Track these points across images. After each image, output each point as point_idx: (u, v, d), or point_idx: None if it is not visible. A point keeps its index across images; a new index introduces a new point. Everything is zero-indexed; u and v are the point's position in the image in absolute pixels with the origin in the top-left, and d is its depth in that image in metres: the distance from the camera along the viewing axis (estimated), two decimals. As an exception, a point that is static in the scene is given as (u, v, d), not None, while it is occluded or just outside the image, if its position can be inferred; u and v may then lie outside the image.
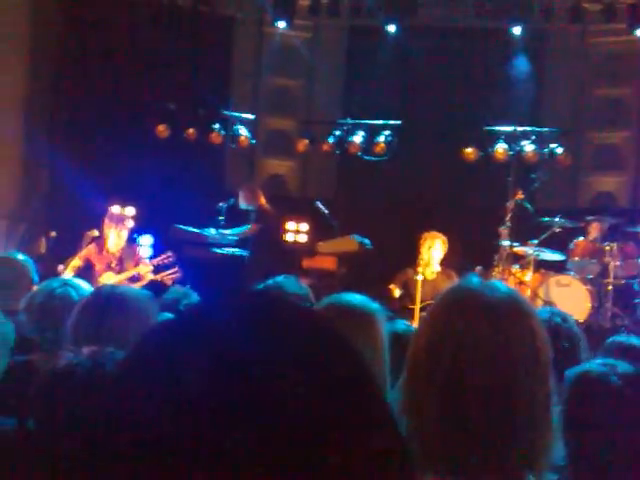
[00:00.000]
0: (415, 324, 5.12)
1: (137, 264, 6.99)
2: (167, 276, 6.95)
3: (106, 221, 7.06)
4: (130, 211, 9.20)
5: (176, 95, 9.75)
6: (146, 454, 0.57)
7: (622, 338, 3.11)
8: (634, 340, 3.07)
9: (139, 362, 0.63)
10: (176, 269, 6.99)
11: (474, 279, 1.42)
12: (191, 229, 8.74)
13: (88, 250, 7.00)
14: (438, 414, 1.29)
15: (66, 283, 3.13)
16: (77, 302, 2.87)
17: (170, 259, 6.98)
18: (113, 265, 6.94)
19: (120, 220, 7.05)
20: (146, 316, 2.42)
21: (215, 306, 0.69)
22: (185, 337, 0.63)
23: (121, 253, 6.99)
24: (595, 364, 1.78)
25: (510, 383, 1.29)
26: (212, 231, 8.65)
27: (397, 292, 7.19)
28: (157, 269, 6.95)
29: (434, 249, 7.09)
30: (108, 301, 2.40)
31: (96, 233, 7.30)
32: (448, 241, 7.43)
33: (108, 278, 6.71)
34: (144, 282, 6.79)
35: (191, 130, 9.77)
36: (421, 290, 6.97)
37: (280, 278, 2.57)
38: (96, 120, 9.33)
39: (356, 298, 2.17)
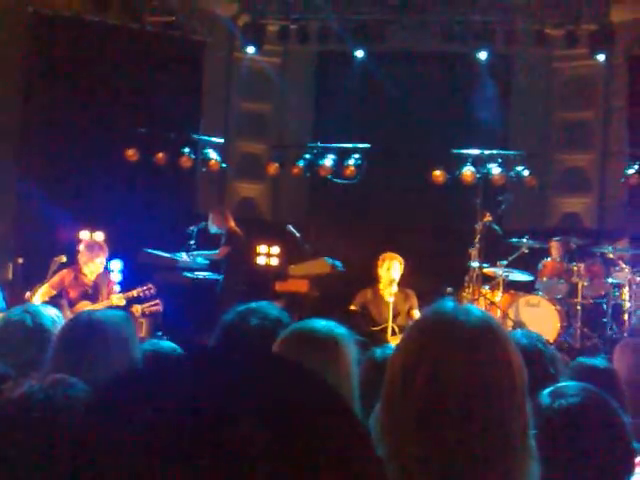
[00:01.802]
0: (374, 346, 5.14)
1: (110, 293, 6.93)
2: (148, 308, 6.93)
3: (84, 249, 6.99)
4: (99, 236, 9.12)
5: (146, 119, 9.72)
6: None
7: (585, 360, 3.13)
8: (596, 361, 3.11)
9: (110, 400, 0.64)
10: (157, 301, 6.96)
11: (448, 303, 1.42)
12: (161, 253, 8.67)
13: (61, 277, 6.91)
14: (415, 438, 1.28)
15: (26, 310, 3.09)
16: (32, 329, 2.86)
17: (151, 291, 6.94)
18: (89, 292, 6.89)
19: (100, 248, 6.99)
20: (125, 338, 2.41)
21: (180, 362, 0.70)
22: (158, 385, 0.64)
23: (96, 280, 6.95)
24: (551, 389, 1.78)
25: (485, 408, 1.29)
26: (183, 255, 8.60)
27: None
28: (138, 300, 6.90)
29: (393, 270, 7.13)
30: (87, 328, 2.38)
31: (64, 259, 7.21)
32: (418, 263, 7.49)
33: (84, 307, 6.58)
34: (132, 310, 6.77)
35: (161, 154, 9.73)
36: (381, 311, 7.03)
37: (261, 303, 2.56)
38: (65, 144, 9.26)
39: (320, 324, 2.15)
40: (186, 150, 9.84)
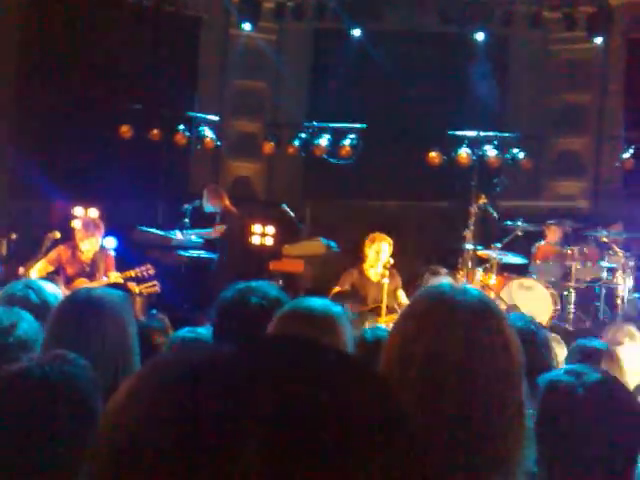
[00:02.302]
0: (365, 325, 5.14)
1: (108, 270, 6.91)
2: (147, 288, 6.91)
3: (81, 227, 6.96)
4: (93, 213, 9.07)
5: (140, 96, 9.64)
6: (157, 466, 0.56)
7: (586, 342, 3.16)
8: (597, 343, 3.14)
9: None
10: (155, 282, 6.92)
11: (445, 283, 1.43)
12: (155, 231, 8.64)
13: (58, 253, 6.88)
14: (413, 419, 1.28)
15: (28, 285, 3.07)
16: (37, 305, 2.84)
17: (150, 271, 6.90)
18: (86, 270, 6.86)
19: (96, 226, 6.95)
20: (123, 318, 2.40)
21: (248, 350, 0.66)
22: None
23: (94, 257, 6.92)
24: (563, 373, 1.78)
25: (483, 388, 1.29)
26: (177, 233, 8.57)
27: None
28: (136, 280, 6.87)
29: (382, 251, 7.09)
30: (86, 305, 2.37)
31: (57, 235, 7.17)
32: (413, 244, 7.49)
33: (81, 284, 6.58)
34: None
35: (155, 131, 9.67)
36: (368, 292, 7.00)
37: (260, 282, 2.56)
38: (58, 120, 9.19)
39: (317, 302, 2.15)
40: (181, 127, 9.78)
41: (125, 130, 9.56)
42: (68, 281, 6.71)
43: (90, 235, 6.84)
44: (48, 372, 1.68)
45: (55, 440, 1.58)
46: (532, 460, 1.34)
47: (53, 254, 6.87)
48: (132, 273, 6.88)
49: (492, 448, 1.27)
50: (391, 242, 7.16)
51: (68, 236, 7.19)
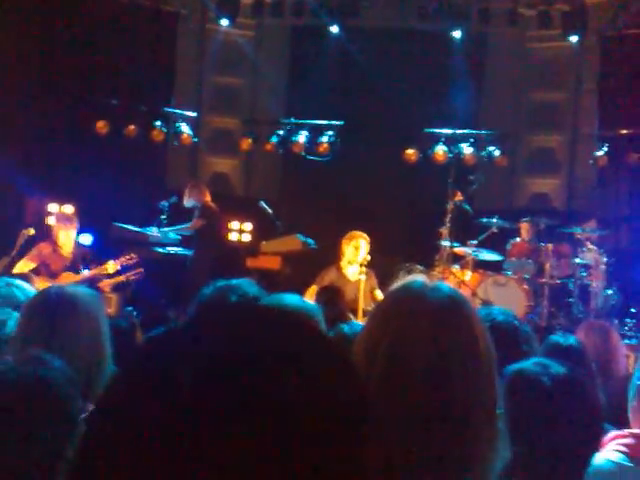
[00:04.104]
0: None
1: (85, 262, 7.01)
2: (131, 276, 7.13)
3: (55, 222, 7.05)
4: (68, 209, 9.01)
5: (117, 91, 9.58)
6: (142, 453, 0.60)
7: (559, 337, 3.19)
8: (570, 339, 3.18)
9: (137, 371, 0.66)
10: (140, 270, 7.15)
11: (417, 280, 1.39)
12: (132, 227, 8.60)
13: (38, 250, 6.93)
14: (375, 414, 1.26)
15: (9, 283, 3.06)
16: (23, 302, 2.82)
17: (134, 260, 7.14)
18: (68, 265, 6.96)
19: (70, 221, 7.00)
20: (95, 316, 2.39)
21: (206, 320, 0.71)
22: (182, 345, 0.66)
23: (74, 252, 7.01)
24: (529, 364, 1.80)
25: (448, 386, 1.26)
26: (153, 230, 8.53)
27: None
28: (122, 269, 7.12)
29: (360, 248, 7.12)
30: (58, 302, 2.36)
31: (32, 232, 7.17)
32: (389, 241, 7.51)
33: (67, 278, 6.74)
34: (114, 281, 7.05)
35: (132, 127, 9.61)
36: (346, 290, 6.95)
37: (239, 280, 2.57)
38: (33, 116, 9.09)
39: (290, 298, 2.17)
40: (158, 123, 9.73)
41: (101, 126, 9.49)
42: (53, 276, 6.78)
43: (64, 228, 6.91)
44: (23, 374, 1.67)
45: (31, 443, 1.58)
46: (505, 460, 1.34)
47: (34, 251, 6.93)
48: (118, 263, 7.06)
49: (462, 447, 1.25)
50: (368, 240, 7.19)
51: (43, 232, 7.16)
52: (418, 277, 1.43)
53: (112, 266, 7.02)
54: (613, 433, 2.07)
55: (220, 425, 0.60)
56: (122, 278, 7.08)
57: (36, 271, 6.76)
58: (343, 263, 7.13)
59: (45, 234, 7.17)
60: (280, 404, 0.61)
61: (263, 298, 2.40)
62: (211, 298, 2.49)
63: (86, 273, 6.92)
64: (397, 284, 1.43)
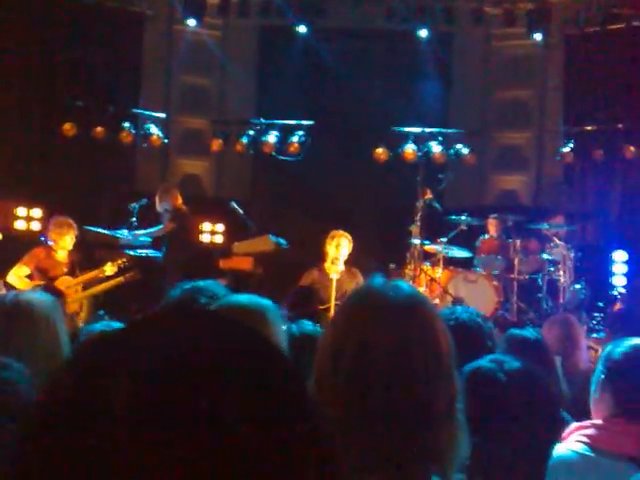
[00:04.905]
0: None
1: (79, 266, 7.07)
2: (129, 277, 7.17)
3: (53, 227, 7.04)
4: (36, 213, 8.92)
5: (84, 92, 9.49)
6: (77, 462, 0.59)
7: (517, 331, 3.24)
8: (527, 333, 3.22)
9: (74, 372, 0.65)
10: (136, 271, 7.21)
11: (378, 279, 1.42)
12: (102, 231, 8.54)
13: (33, 255, 6.95)
14: (342, 413, 1.28)
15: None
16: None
17: (129, 262, 7.25)
18: (64, 270, 6.98)
19: (69, 226, 7.04)
20: (53, 321, 2.40)
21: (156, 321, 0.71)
22: (122, 349, 0.65)
23: (69, 256, 7.04)
24: (485, 361, 1.85)
25: (410, 382, 1.29)
26: (124, 232, 8.48)
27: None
28: (119, 270, 7.19)
29: (342, 247, 7.14)
30: (14, 308, 2.37)
31: None
32: (361, 240, 7.54)
33: (65, 282, 6.83)
34: (112, 283, 7.10)
35: (99, 129, 9.53)
36: (328, 290, 7.00)
37: (208, 282, 2.58)
38: (0, 117, 8.98)
39: (246, 297, 2.20)
40: (126, 125, 9.66)
41: (68, 128, 9.40)
42: (52, 280, 6.82)
43: (64, 234, 6.94)
44: None
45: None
46: (467, 453, 1.35)
47: (28, 256, 6.93)
48: (115, 266, 7.16)
49: (424, 441, 1.28)
50: (350, 239, 7.19)
51: (11, 236, 7.11)
52: (378, 276, 1.47)
53: (109, 268, 7.09)
54: (575, 424, 2.13)
55: (150, 440, 0.58)
56: (120, 280, 7.11)
57: (30, 276, 6.82)
58: (327, 263, 7.13)
59: (14, 238, 7.12)
60: (212, 416, 0.59)
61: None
62: (179, 300, 2.50)
63: (84, 276, 6.98)
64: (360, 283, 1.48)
